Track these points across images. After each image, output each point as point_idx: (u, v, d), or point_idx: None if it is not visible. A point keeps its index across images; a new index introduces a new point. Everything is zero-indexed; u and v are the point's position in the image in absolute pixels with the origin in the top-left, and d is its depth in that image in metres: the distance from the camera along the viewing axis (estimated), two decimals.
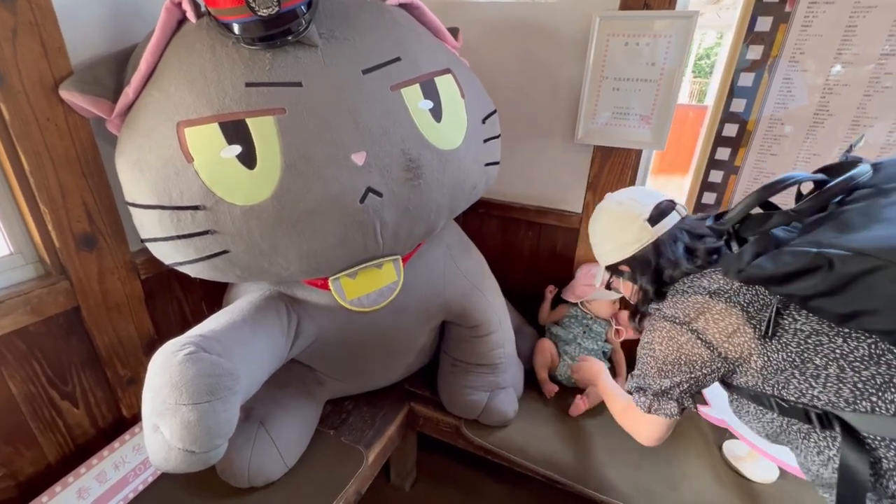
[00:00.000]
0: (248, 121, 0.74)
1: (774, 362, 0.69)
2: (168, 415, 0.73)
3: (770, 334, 0.69)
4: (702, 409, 1.13)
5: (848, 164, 0.71)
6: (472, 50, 1.20)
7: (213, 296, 1.28)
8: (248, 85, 0.75)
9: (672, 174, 3.16)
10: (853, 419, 0.62)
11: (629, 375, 0.89)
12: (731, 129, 1.19)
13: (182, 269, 0.87)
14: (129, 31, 0.95)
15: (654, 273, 0.84)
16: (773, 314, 0.69)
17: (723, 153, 1.23)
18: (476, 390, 1.24)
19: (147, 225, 0.83)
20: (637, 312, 0.92)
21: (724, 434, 1.19)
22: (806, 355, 0.66)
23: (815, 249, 0.59)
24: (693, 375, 0.77)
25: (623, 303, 1.45)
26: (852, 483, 0.61)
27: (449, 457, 1.59)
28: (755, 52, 1.10)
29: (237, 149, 0.74)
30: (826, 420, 0.64)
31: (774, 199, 0.74)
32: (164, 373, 0.74)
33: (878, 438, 0.60)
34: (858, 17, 1.00)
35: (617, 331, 1.38)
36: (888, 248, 0.54)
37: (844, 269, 0.56)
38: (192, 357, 0.75)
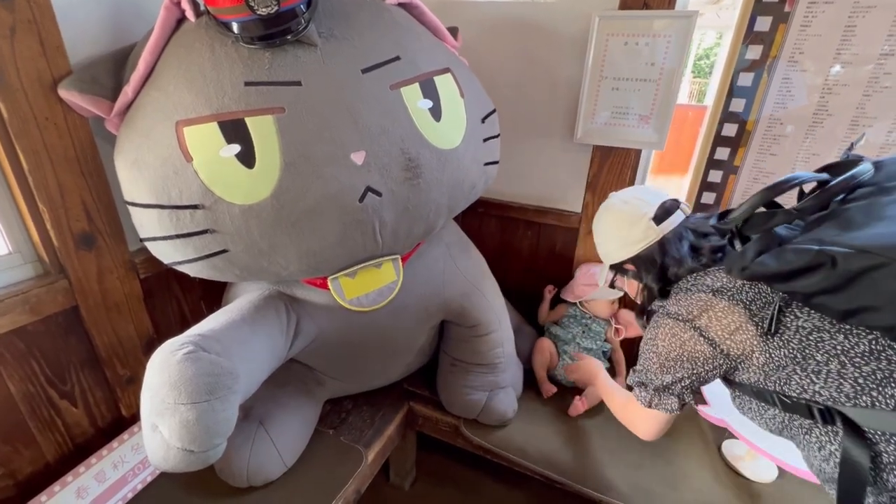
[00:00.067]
0: (248, 120, 0.74)
1: (776, 359, 0.70)
2: (167, 414, 0.73)
3: (772, 331, 0.70)
4: (701, 408, 1.13)
5: (850, 162, 0.72)
6: (471, 49, 1.20)
7: (212, 295, 1.28)
8: (247, 84, 0.75)
9: (671, 174, 3.16)
10: (854, 414, 0.62)
11: (630, 370, 0.90)
12: (730, 129, 1.20)
13: (181, 268, 0.87)
14: (128, 30, 0.95)
15: (659, 271, 0.85)
16: (776, 311, 0.69)
17: (722, 153, 1.23)
18: (475, 390, 1.24)
19: (146, 224, 0.83)
20: (645, 311, 0.92)
21: (723, 434, 1.19)
22: (807, 352, 0.67)
23: (817, 247, 0.60)
24: (695, 372, 0.78)
25: (622, 302, 1.45)
26: (853, 477, 0.61)
27: (448, 456, 1.59)
28: (754, 52, 1.10)
29: (236, 148, 0.74)
30: (828, 415, 0.65)
31: (777, 199, 0.75)
32: (163, 372, 0.74)
33: (879, 433, 0.61)
34: (858, 17, 1.00)
35: (616, 330, 1.38)
36: (889, 245, 0.55)
37: (846, 267, 0.57)
38: (191, 356, 0.75)
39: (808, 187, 0.74)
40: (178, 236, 0.80)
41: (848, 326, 0.65)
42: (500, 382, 1.26)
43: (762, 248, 0.68)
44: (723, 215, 0.84)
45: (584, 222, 1.45)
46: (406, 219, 0.87)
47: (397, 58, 0.84)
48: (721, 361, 0.76)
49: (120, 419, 1.12)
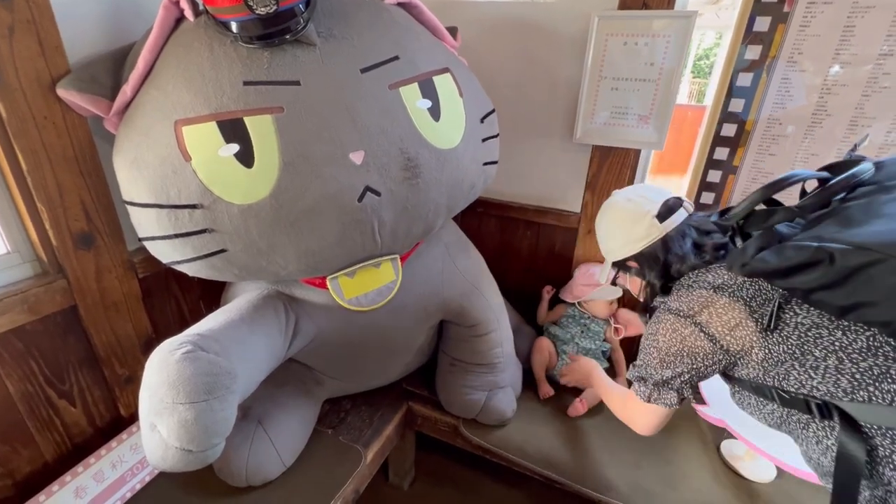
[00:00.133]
0: (246, 119, 0.74)
1: (775, 354, 0.71)
2: (165, 414, 0.72)
3: (772, 328, 0.71)
4: (700, 408, 1.13)
5: (851, 162, 0.73)
6: (470, 49, 1.20)
7: (210, 294, 1.28)
8: (246, 84, 0.75)
9: (670, 174, 3.16)
10: (851, 409, 0.63)
11: (630, 365, 0.90)
12: (729, 129, 1.20)
13: (180, 267, 0.87)
14: (126, 29, 0.95)
15: (661, 268, 0.86)
16: (776, 308, 0.70)
17: (721, 153, 1.23)
18: (474, 389, 1.24)
19: (145, 223, 0.83)
20: (647, 308, 0.93)
21: (722, 434, 1.19)
22: (806, 347, 0.68)
23: (816, 244, 0.61)
24: (694, 367, 0.78)
25: (621, 302, 1.45)
26: (848, 470, 0.62)
27: (447, 456, 1.59)
28: (753, 53, 1.11)
29: (235, 147, 0.74)
30: (825, 410, 0.66)
31: (779, 197, 0.76)
32: (162, 372, 0.74)
33: (875, 427, 0.62)
34: (856, 17, 1.00)
35: (616, 329, 1.38)
36: (887, 242, 0.56)
37: (845, 263, 0.58)
38: (190, 356, 0.75)
39: (809, 186, 0.75)
40: (176, 236, 0.79)
41: (846, 323, 0.65)
42: (499, 382, 1.26)
43: (763, 244, 0.69)
44: (724, 212, 0.86)
45: (584, 222, 1.45)
46: (405, 218, 0.87)
47: (396, 57, 0.84)
48: (721, 357, 0.76)
49: (118, 419, 1.11)
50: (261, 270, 0.85)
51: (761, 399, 0.75)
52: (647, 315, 0.93)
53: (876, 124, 1.06)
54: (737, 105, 1.16)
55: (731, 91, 1.16)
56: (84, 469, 0.95)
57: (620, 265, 0.95)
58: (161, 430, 0.74)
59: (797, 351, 0.69)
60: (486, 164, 1.02)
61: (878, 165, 0.71)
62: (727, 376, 0.82)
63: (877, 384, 0.62)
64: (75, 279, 0.95)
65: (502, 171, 1.16)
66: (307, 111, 0.76)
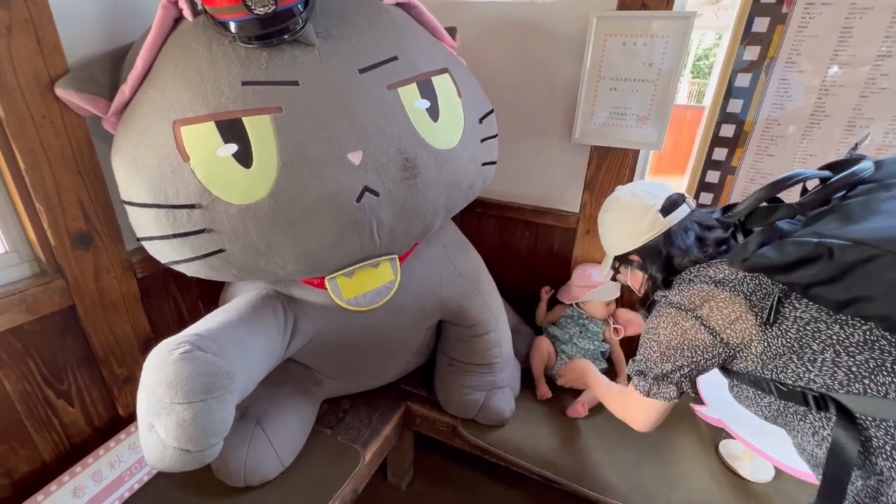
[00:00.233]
0: (245, 119, 0.74)
1: (774, 348, 0.72)
2: (163, 413, 0.72)
3: (771, 321, 0.72)
4: (698, 408, 1.13)
5: (851, 160, 0.74)
6: (469, 49, 1.20)
7: (209, 294, 1.28)
8: (244, 84, 0.75)
9: (669, 174, 3.17)
10: (847, 400, 0.65)
11: (630, 361, 0.91)
12: (728, 130, 1.20)
13: (178, 267, 0.86)
14: (125, 29, 0.95)
15: (664, 261, 0.87)
16: (775, 302, 0.72)
17: (720, 154, 1.23)
18: (473, 390, 1.24)
19: (143, 223, 0.83)
20: (647, 300, 0.94)
21: (720, 434, 1.19)
22: (804, 341, 0.69)
23: (816, 239, 0.62)
24: (694, 360, 0.79)
25: (619, 303, 1.45)
26: (840, 460, 0.64)
27: (446, 456, 1.59)
28: (752, 53, 1.11)
29: (233, 147, 0.74)
30: (822, 402, 0.67)
31: (780, 195, 0.77)
32: (160, 371, 0.74)
33: (870, 419, 0.63)
34: (855, 18, 1.00)
35: (616, 329, 1.39)
36: (886, 238, 0.57)
37: (843, 258, 0.59)
38: (188, 356, 0.75)
39: (810, 184, 0.76)
40: (175, 236, 0.79)
41: (844, 317, 0.67)
42: (497, 382, 1.26)
43: (764, 240, 0.70)
44: (727, 209, 0.87)
45: (582, 222, 1.45)
46: (403, 219, 0.87)
47: (395, 58, 0.84)
48: (720, 350, 0.78)
49: (117, 419, 1.11)
50: (259, 270, 0.85)
51: (759, 392, 0.76)
52: (647, 310, 0.94)
53: (874, 125, 1.06)
54: (735, 105, 1.17)
55: (730, 91, 1.16)
56: (82, 469, 0.95)
57: (622, 259, 0.96)
58: (159, 429, 0.74)
59: (795, 344, 0.70)
60: (484, 164, 1.02)
61: (878, 164, 0.72)
62: (725, 370, 0.83)
63: (872, 377, 0.63)
64: (73, 279, 0.95)
65: (501, 171, 1.16)
66: (306, 111, 0.76)
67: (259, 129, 0.74)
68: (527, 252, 1.61)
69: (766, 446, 1.01)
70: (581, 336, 1.40)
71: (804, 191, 0.78)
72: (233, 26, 0.74)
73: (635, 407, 0.90)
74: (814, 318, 0.69)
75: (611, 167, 1.34)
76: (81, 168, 0.92)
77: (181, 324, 1.21)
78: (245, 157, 0.75)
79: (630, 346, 1.42)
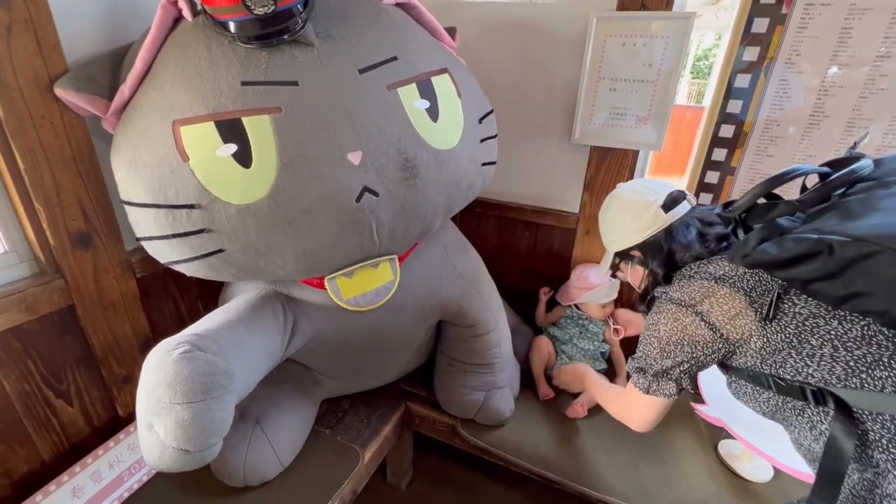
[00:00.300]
0: (244, 120, 0.74)
1: (773, 343, 0.73)
2: (163, 413, 0.72)
3: (771, 317, 0.73)
4: (699, 407, 1.13)
5: (851, 158, 0.75)
6: (469, 49, 1.20)
7: (209, 294, 1.28)
8: (244, 84, 0.75)
9: (669, 175, 3.17)
10: (844, 394, 0.66)
11: (629, 358, 0.91)
12: (727, 131, 1.20)
13: (177, 267, 0.86)
14: (124, 28, 0.95)
15: (665, 257, 0.87)
16: (775, 298, 0.72)
17: (719, 154, 1.23)
18: (473, 390, 1.24)
19: (142, 223, 0.82)
20: (647, 296, 0.94)
21: (720, 433, 1.19)
22: (803, 336, 0.70)
23: (816, 236, 0.63)
24: (694, 356, 0.80)
25: (619, 302, 1.45)
26: (837, 453, 0.65)
27: (445, 456, 1.59)
28: (751, 54, 1.11)
29: (233, 147, 0.74)
30: (820, 396, 0.68)
31: (780, 193, 0.78)
32: (159, 371, 0.74)
33: (866, 412, 0.65)
34: (854, 19, 1.01)
35: (616, 330, 1.39)
36: (884, 234, 0.57)
37: (843, 254, 0.60)
38: (187, 356, 0.75)
39: (810, 182, 0.77)
40: (174, 236, 0.79)
41: (842, 313, 0.67)
42: (497, 382, 1.26)
43: (764, 236, 0.71)
44: (727, 205, 0.88)
45: (582, 223, 1.45)
46: (403, 219, 0.87)
47: (395, 58, 0.84)
48: (720, 346, 0.78)
49: (116, 419, 1.11)
50: (259, 270, 0.85)
51: (757, 388, 0.77)
52: (647, 306, 0.95)
53: (873, 126, 1.06)
54: (735, 106, 1.17)
55: (730, 92, 1.16)
56: (81, 469, 0.95)
57: (623, 255, 0.96)
58: (158, 430, 0.73)
59: (794, 340, 0.71)
60: (484, 164, 1.02)
61: (878, 162, 0.73)
62: (724, 366, 0.83)
63: (869, 371, 0.64)
64: (73, 279, 0.94)
65: (501, 171, 1.16)
66: (305, 111, 0.76)
67: (258, 129, 0.74)
68: (526, 252, 1.61)
69: (765, 446, 1.01)
70: (581, 336, 1.40)
71: (804, 188, 0.79)
72: (232, 26, 0.74)
73: (634, 405, 0.90)
74: (813, 314, 0.70)
75: (610, 167, 1.35)
76: (81, 168, 0.92)
77: (180, 324, 1.21)
78: (244, 157, 0.75)
79: (630, 346, 1.42)
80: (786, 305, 0.73)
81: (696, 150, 1.25)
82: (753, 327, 0.75)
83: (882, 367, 0.63)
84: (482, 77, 1.11)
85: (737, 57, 1.12)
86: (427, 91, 0.87)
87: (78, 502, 0.94)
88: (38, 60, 0.82)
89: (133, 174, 0.79)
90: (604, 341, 1.41)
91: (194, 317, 0.93)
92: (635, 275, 0.98)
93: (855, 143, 0.80)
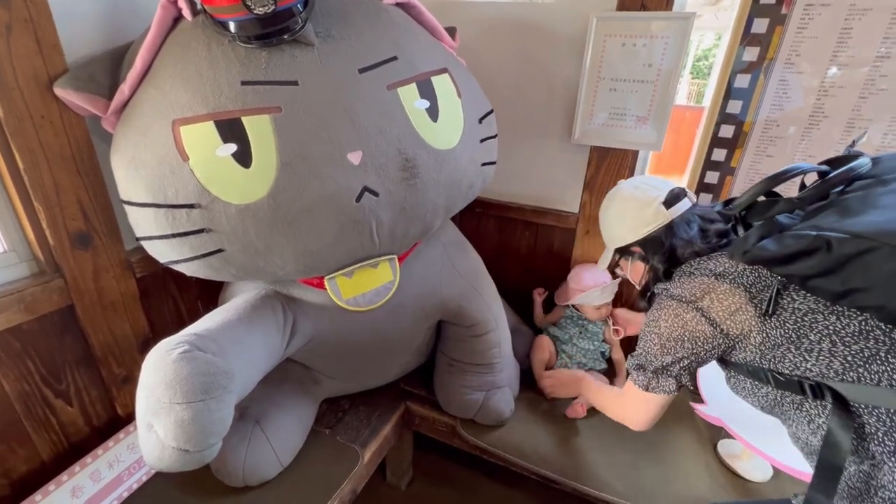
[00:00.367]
0: (244, 119, 0.74)
1: (772, 338, 0.74)
2: (162, 413, 0.72)
3: (770, 313, 0.74)
4: (698, 407, 1.13)
5: (849, 157, 0.75)
6: (469, 49, 1.20)
7: (208, 294, 1.28)
8: (244, 83, 0.75)
9: (669, 175, 3.17)
10: (841, 388, 0.67)
11: (628, 356, 0.92)
12: (727, 131, 1.20)
13: (177, 267, 0.86)
14: (124, 28, 0.95)
15: (667, 252, 0.88)
16: (774, 294, 0.73)
17: (719, 154, 1.23)
18: (472, 390, 1.24)
19: (142, 223, 0.82)
20: (647, 292, 0.95)
21: (719, 433, 1.19)
22: (802, 331, 0.71)
23: (815, 232, 0.63)
24: (694, 351, 0.81)
25: (619, 302, 1.45)
26: (834, 446, 0.66)
27: (445, 456, 1.59)
28: (751, 54, 1.11)
29: (232, 147, 0.74)
30: (818, 390, 0.69)
31: (780, 191, 0.79)
32: (159, 371, 0.74)
33: (863, 406, 0.66)
34: (854, 19, 1.01)
35: (615, 330, 1.39)
36: (883, 231, 0.58)
37: (841, 250, 0.60)
38: (187, 356, 0.75)
39: (808, 180, 0.78)
40: (174, 235, 0.79)
41: (840, 308, 0.69)
42: (497, 382, 1.26)
43: (764, 233, 0.72)
44: (727, 202, 0.89)
45: (582, 223, 1.45)
46: (403, 219, 0.87)
47: (395, 58, 0.84)
48: (720, 341, 0.79)
49: (115, 418, 1.11)
50: (258, 270, 0.85)
51: (756, 382, 0.78)
52: (647, 302, 0.95)
53: (873, 126, 1.06)
54: (735, 106, 1.17)
55: (730, 92, 1.16)
56: (81, 468, 0.95)
57: (623, 251, 0.97)
58: (158, 429, 0.73)
59: (793, 335, 0.72)
60: (484, 164, 1.02)
61: (875, 161, 0.74)
62: (723, 361, 0.84)
63: (866, 366, 0.65)
64: (72, 278, 0.94)
65: (501, 171, 1.16)
66: (305, 111, 0.76)
67: (258, 128, 0.74)
68: (526, 252, 1.61)
69: (764, 445, 1.01)
70: (581, 336, 1.40)
71: (802, 186, 0.79)
72: (232, 26, 0.74)
73: (633, 403, 0.91)
74: (811, 310, 0.71)
75: (610, 167, 1.35)
76: (80, 168, 0.92)
77: (180, 324, 1.21)
78: (244, 156, 0.75)
79: (630, 346, 1.42)
80: (785, 301, 0.74)
81: (696, 151, 1.25)
82: (753, 323, 0.76)
83: (879, 362, 0.65)
84: (482, 77, 1.11)
85: (737, 57, 1.12)
86: (427, 91, 0.87)
87: (77, 502, 0.94)
88: (38, 60, 0.82)
89: (133, 174, 0.79)
90: (604, 341, 1.41)
91: (194, 317, 0.93)
92: (635, 271, 0.98)
93: (853, 142, 0.81)
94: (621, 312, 1.42)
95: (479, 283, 1.24)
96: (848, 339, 0.67)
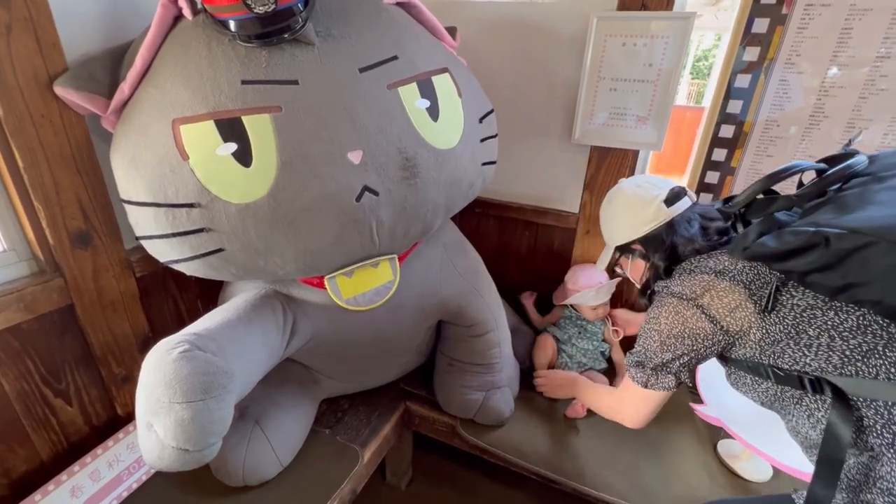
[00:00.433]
0: (244, 118, 0.74)
1: (772, 334, 0.75)
2: (162, 413, 0.72)
3: (769, 309, 0.75)
4: (697, 407, 1.13)
5: (846, 154, 0.76)
6: (469, 49, 1.20)
7: (208, 294, 1.28)
8: (244, 83, 0.75)
9: (669, 175, 3.17)
10: (840, 382, 0.68)
11: (627, 353, 0.92)
12: (727, 131, 1.20)
13: (177, 266, 0.86)
14: (124, 27, 0.95)
15: (667, 249, 0.89)
16: (773, 290, 0.74)
17: (719, 154, 1.23)
18: (472, 390, 1.24)
19: (142, 222, 0.82)
20: (647, 290, 0.95)
21: (719, 433, 1.19)
22: (801, 327, 0.72)
23: (813, 228, 0.64)
24: (694, 348, 0.82)
25: (619, 302, 1.45)
26: (834, 439, 0.67)
27: (445, 456, 1.59)
28: (752, 54, 1.11)
29: (233, 146, 0.74)
30: (817, 384, 0.70)
31: (778, 189, 0.79)
32: (159, 371, 0.74)
33: (861, 399, 0.67)
34: (854, 19, 1.01)
35: (615, 331, 1.39)
36: (880, 226, 0.59)
37: (839, 246, 0.61)
38: (187, 355, 0.75)
39: (806, 178, 0.78)
40: (174, 235, 0.79)
41: (838, 304, 0.70)
42: (497, 382, 1.26)
43: (763, 230, 0.73)
44: (727, 200, 0.89)
45: (582, 222, 1.45)
46: (403, 218, 0.87)
47: (395, 57, 0.84)
48: (720, 338, 0.80)
49: (115, 418, 1.11)
50: (258, 270, 0.85)
51: (756, 378, 0.79)
52: (648, 300, 0.96)
53: (873, 126, 1.06)
54: (735, 106, 1.17)
55: (730, 92, 1.16)
56: (80, 468, 0.95)
57: (624, 249, 0.98)
58: (157, 429, 0.73)
59: (792, 330, 0.73)
60: (484, 164, 1.02)
61: (872, 158, 0.75)
62: (724, 358, 0.85)
63: (864, 360, 0.67)
64: (72, 278, 0.94)
65: (501, 171, 1.16)
66: (305, 111, 0.76)
67: (259, 128, 0.74)
68: (526, 252, 1.61)
69: (764, 445, 1.01)
70: (580, 336, 1.40)
71: (800, 185, 0.80)
72: (232, 25, 0.74)
73: (630, 400, 0.92)
74: (810, 305, 0.72)
75: (610, 167, 1.35)
76: (80, 167, 0.92)
77: (180, 323, 1.21)
78: (244, 156, 0.74)
79: (630, 346, 1.42)
80: (784, 297, 0.75)
81: (696, 151, 1.25)
82: (753, 319, 0.76)
83: (877, 356, 0.66)
84: (482, 76, 1.11)
85: (737, 57, 1.12)
86: (427, 90, 0.87)
87: (77, 502, 0.94)
88: (38, 59, 0.82)
89: (133, 173, 0.79)
90: (603, 340, 1.41)
91: (194, 316, 0.93)
92: (636, 269, 0.99)
93: (849, 141, 0.81)
94: (621, 313, 1.42)
95: (479, 283, 1.24)
96: (846, 333, 0.68)
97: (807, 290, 0.73)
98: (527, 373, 1.40)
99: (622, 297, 1.47)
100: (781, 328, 0.74)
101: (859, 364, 0.67)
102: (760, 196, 0.79)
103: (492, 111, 1.06)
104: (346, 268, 0.90)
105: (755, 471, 1.12)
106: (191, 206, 0.76)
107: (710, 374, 1.10)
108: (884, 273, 0.59)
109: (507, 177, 1.46)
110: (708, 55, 6.63)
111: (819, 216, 0.68)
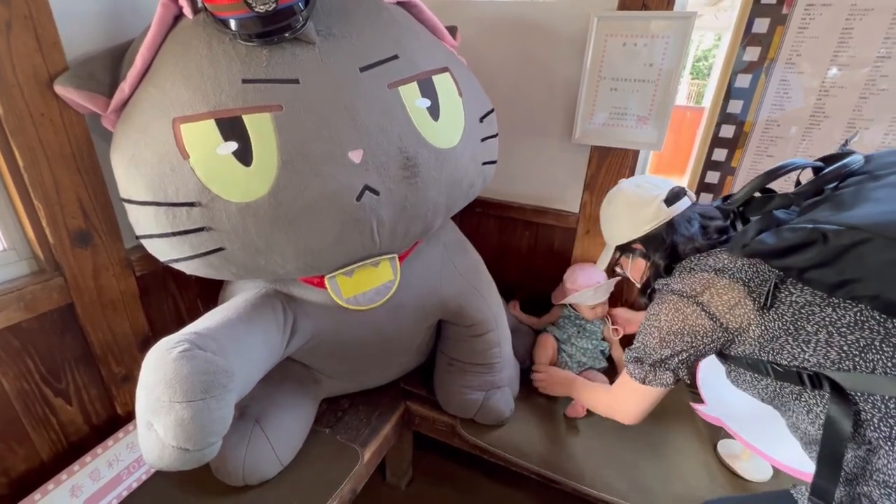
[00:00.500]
0: (245, 117, 0.74)
1: (771, 331, 0.76)
2: (162, 412, 0.72)
3: (768, 306, 0.75)
4: (698, 407, 1.13)
5: (843, 154, 0.78)
6: (470, 48, 1.20)
7: (208, 293, 1.27)
8: (244, 81, 0.75)
9: (669, 175, 3.17)
10: (838, 377, 0.69)
11: (626, 349, 0.93)
12: (727, 131, 1.20)
13: (177, 266, 0.86)
14: (125, 26, 0.95)
15: (668, 248, 0.90)
16: (772, 287, 0.75)
17: (719, 154, 1.23)
18: (472, 389, 1.24)
19: (142, 221, 0.82)
20: (647, 288, 0.96)
21: (719, 433, 1.19)
22: (799, 323, 0.73)
23: (811, 225, 0.65)
24: (693, 345, 0.82)
25: (619, 301, 1.45)
26: (835, 433, 0.68)
27: (445, 456, 1.59)
28: (752, 54, 1.11)
29: (233, 145, 0.74)
30: (816, 380, 0.71)
31: (777, 187, 0.81)
32: (159, 370, 0.74)
33: (859, 393, 0.68)
34: (855, 19, 1.01)
35: (615, 330, 1.39)
36: (877, 222, 0.60)
37: (837, 242, 0.62)
38: (187, 354, 0.75)
39: (804, 178, 0.80)
40: (174, 234, 0.79)
41: (836, 300, 0.71)
42: (497, 382, 1.26)
43: (762, 227, 0.74)
44: (726, 199, 0.91)
45: (582, 222, 1.45)
46: (404, 218, 0.87)
47: (396, 56, 0.84)
48: (720, 335, 0.81)
49: (115, 417, 1.11)
50: (259, 269, 0.85)
51: (756, 375, 0.80)
52: (648, 298, 0.96)
53: (873, 126, 1.06)
54: (735, 106, 1.17)
55: (730, 92, 1.16)
56: (80, 467, 0.95)
57: (624, 248, 0.98)
58: (157, 428, 0.73)
59: (791, 327, 0.74)
60: (485, 163, 1.02)
61: (868, 158, 0.76)
62: (723, 355, 0.86)
63: (862, 354, 0.68)
64: (72, 277, 0.94)
65: (501, 170, 1.16)
66: (306, 110, 0.76)
67: (259, 127, 0.74)
68: (527, 252, 1.61)
69: (764, 445, 1.01)
70: (579, 336, 1.40)
71: (797, 184, 0.81)
72: (233, 24, 0.74)
73: (627, 395, 0.93)
74: (808, 302, 0.73)
75: (611, 167, 1.35)
76: (80, 166, 0.92)
77: (180, 322, 1.21)
78: (245, 155, 0.74)
79: (630, 344, 1.42)
80: (782, 294, 0.76)
81: (697, 150, 1.25)
82: (752, 316, 0.77)
83: (874, 351, 0.67)
84: (483, 76, 1.11)
85: (737, 57, 1.12)
86: (428, 90, 0.87)
87: (76, 501, 0.94)
88: (38, 58, 0.82)
89: (133, 172, 0.79)
90: (603, 339, 1.41)
91: (194, 315, 0.93)
92: (636, 268, 0.99)
93: (846, 141, 0.82)
94: (620, 312, 1.42)
95: (480, 283, 1.24)
96: (844, 329, 0.69)
97: (805, 287, 0.74)
98: (527, 372, 1.40)
99: (621, 297, 1.47)
100: (780, 325, 0.75)
101: (857, 359, 0.68)
102: (758, 194, 0.80)
103: (492, 111, 1.06)
104: (347, 267, 0.90)
105: (755, 471, 1.12)
106: (191, 204, 0.76)
107: (711, 373, 1.10)
108: (880, 269, 0.60)
109: (507, 176, 1.46)
110: (708, 55, 6.64)
111: (817, 213, 0.69)
